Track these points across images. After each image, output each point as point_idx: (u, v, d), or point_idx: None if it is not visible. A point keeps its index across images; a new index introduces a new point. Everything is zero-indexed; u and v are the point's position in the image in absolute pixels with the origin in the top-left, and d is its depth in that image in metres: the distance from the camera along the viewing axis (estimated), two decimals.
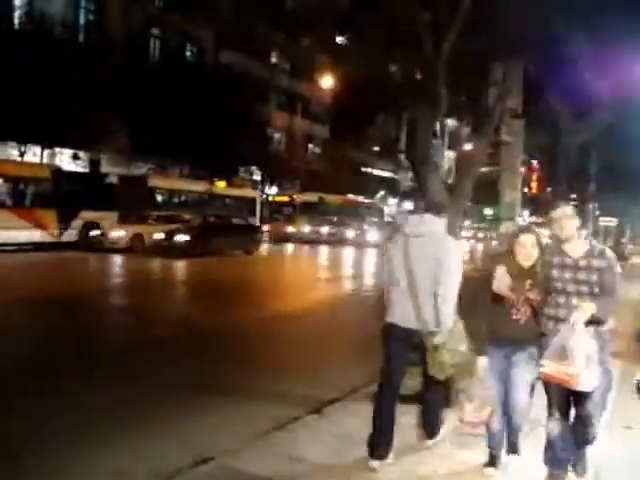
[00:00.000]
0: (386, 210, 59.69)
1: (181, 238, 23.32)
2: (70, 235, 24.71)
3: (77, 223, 24.84)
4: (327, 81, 37.50)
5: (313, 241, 36.60)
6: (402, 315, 4.24)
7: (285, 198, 41.97)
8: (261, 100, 42.26)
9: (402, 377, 4.45)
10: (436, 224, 4.29)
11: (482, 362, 4.06)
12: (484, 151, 6.23)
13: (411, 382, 4.78)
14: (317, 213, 38.93)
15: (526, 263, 3.98)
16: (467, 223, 45.00)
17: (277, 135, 48.29)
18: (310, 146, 52.78)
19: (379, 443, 4.30)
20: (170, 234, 23.41)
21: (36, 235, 23.53)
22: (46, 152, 29.01)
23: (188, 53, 39.45)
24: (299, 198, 41.00)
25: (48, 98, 23.41)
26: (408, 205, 68.66)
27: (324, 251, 32.65)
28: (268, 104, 45.43)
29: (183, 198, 31.25)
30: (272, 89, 46.15)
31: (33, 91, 22.99)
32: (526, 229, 4.15)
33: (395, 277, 4.26)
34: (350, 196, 46.49)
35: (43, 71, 23.60)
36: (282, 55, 46.78)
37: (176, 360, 7.63)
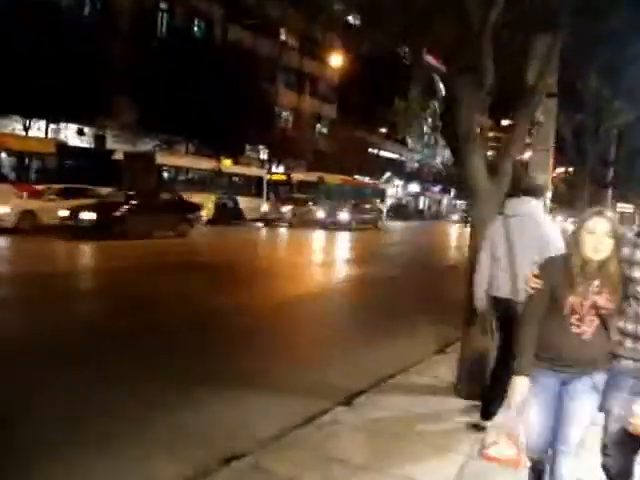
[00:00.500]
0: (391, 191, 59.37)
1: (87, 216, 19.24)
2: None
3: None
4: (337, 60, 36.97)
5: (273, 221, 33.28)
6: (499, 286, 4.63)
7: (282, 177, 39.70)
8: (269, 78, 41.63)
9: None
10: (534, 206, 4.67)
11: (521, 385, 3.02)
12: (524, 129, 5.93)
13: None
14: (316, 193, 36.44)
15: (595, 256, 2.95)
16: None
17: (285, 114, 47.71)
18: (318, 126, 52.15)
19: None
20: (75, 212, 19.50)
21: None
22: (51, 127, 28.66)
23: (196, 29, 38.76)
24: (297, 177, 39.04)
25: (53, 72, 22.96)
26: (414, 187, 68.66)
27: (283, 234, 29.63)
28: (276, 82, 44.85)
29: (190, 176, 30.77)
30: (280, 67, 45.55)
31: (37, 64, 22.55)
32: (597, 212, 3.03)
33: (496, 254, 4.66)
34: (357, 177, 45.93)
35: (48, 44, 23.13)
36: (291, 33, 46.08)
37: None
